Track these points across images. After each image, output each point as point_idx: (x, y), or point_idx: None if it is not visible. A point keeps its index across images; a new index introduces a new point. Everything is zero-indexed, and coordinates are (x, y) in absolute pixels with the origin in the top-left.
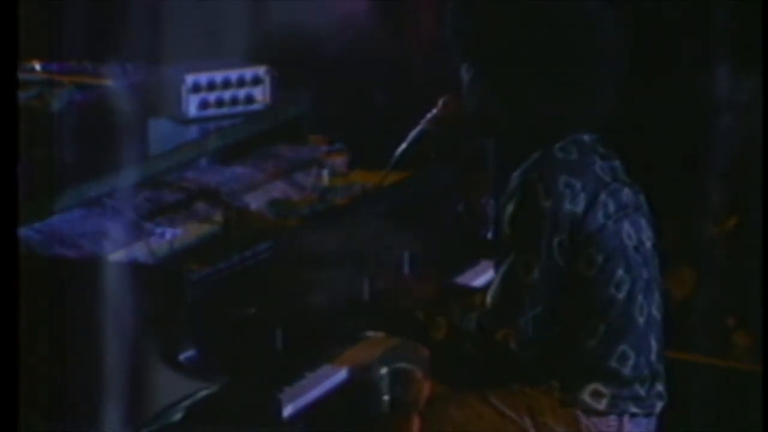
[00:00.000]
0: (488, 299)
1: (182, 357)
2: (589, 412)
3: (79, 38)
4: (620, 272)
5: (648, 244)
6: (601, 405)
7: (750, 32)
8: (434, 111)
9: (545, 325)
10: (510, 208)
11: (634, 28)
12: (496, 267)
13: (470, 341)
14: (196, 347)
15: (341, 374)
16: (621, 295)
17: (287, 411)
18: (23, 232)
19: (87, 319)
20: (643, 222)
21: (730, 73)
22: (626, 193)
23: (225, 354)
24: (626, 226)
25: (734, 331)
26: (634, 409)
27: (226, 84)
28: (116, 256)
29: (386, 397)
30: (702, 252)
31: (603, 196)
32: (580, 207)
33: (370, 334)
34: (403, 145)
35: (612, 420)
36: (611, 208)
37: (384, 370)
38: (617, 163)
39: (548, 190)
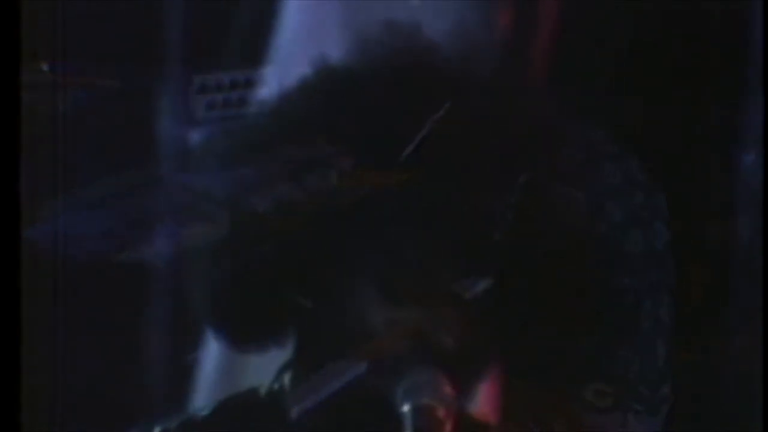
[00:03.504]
0: None
1: (188, 358)
2: (593, 410)
3: (85, 39)
4: (624, 280)
5: (659, 247)
6: (605, 403)
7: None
8: (441, 111)
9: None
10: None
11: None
12: None
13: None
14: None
15: (349, 373)
16: (625, 301)
17: (293, 411)
18: (27, 233)
19: (90, 321)
20: (657, 225)
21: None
22: (638, 196)
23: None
24: (633, 232)
25: (734, 331)
26: (638, 407)
27: (234, 85)
28: (121, 257)
29: None
30: (705, 252)
31: (608, 203)
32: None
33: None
34: (411, 146)
35: (616, 417)
36: (617, 215)
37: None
38: (633, 163)
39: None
